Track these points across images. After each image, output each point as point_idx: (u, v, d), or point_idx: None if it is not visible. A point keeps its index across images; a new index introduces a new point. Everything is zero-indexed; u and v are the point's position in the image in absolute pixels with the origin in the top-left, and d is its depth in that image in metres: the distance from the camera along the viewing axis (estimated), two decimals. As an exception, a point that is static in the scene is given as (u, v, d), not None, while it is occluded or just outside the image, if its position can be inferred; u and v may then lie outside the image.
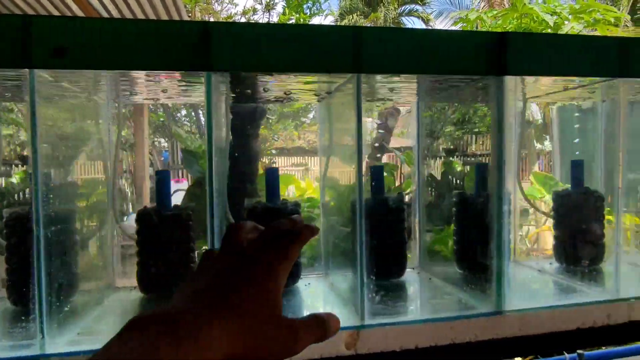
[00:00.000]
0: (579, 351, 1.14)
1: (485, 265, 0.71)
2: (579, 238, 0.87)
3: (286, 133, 6.40)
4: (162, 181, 0.81)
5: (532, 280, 0.88)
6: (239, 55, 0.59)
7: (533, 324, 0.69)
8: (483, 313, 0.68)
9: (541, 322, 0.69)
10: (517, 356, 0.81)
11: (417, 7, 11.90)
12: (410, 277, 0.89)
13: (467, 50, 0.66)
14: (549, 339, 0.70)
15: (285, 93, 0.84)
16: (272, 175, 0.86)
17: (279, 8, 7.84)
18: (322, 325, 0.36)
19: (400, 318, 0.67)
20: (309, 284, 0.86)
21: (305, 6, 6.22)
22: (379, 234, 0.85)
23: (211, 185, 0.60)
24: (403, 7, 11.80)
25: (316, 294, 0.82)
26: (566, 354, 1.12)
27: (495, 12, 7.31)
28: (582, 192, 0.89)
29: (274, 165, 0.95)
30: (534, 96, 0.95)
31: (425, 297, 0.80)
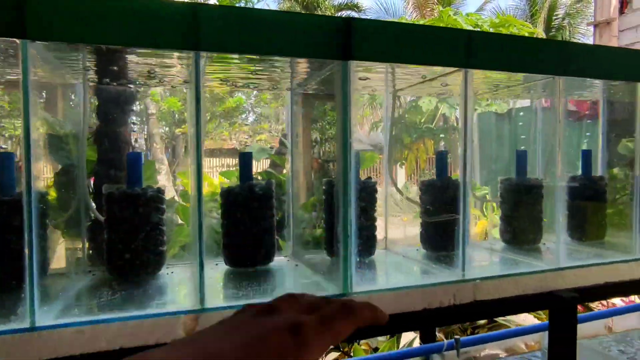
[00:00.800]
0: (455, 336, 1.20)
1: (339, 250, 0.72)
2: (438, 224, 0.91)
3: (216, 133, 6.26)
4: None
5: (393, 265, 0.92)
6: (59, 22, 0.55)
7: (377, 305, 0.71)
8: (331, 295, 0.70)
9: (386, 304, 0.71)
10: (361, 338, 0.83)
11: (353, 13, 12.18)
12: (280, 264, 0.89)
13: (313, 34, 0.67)
14: (394, 320, 0.72)
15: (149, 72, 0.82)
16: (133, 160, 0.82)
17: None
18: (350, 316, 0.31)
19: (242, 302, 0.67)
20: (172, 272, 0.84)
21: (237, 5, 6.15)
22: (244, 222, 0.85)
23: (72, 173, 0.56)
24: (340, 13, 12.03)
25: (171, 282, 0.79)
26: (444, 340, 1.18)
27: (423, 22, 7.66)
28: (444, 181, 0.93)
29: (137, 150, 0.92)
30: (400, 88, 0.99)
31: (281, 282, 0.80)
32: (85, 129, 0.81)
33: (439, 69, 0.82)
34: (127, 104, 0.90)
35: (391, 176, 0.99)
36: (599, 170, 1.15)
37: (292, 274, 0.85)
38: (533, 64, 0.81)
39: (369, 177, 0.95)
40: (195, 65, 0.62)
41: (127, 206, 0.78)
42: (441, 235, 0.91)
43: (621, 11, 6.34)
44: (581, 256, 0.94)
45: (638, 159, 0.94)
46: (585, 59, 0.85)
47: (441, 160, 0.95)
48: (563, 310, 0.81)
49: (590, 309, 2.01)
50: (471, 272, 0.79)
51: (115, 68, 0.77)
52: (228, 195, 0.86)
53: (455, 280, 0.77)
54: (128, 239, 0.77)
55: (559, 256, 0.85)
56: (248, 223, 0.85)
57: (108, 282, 0.77)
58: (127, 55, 0.71)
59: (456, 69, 0.77)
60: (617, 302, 1.91)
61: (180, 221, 1.51)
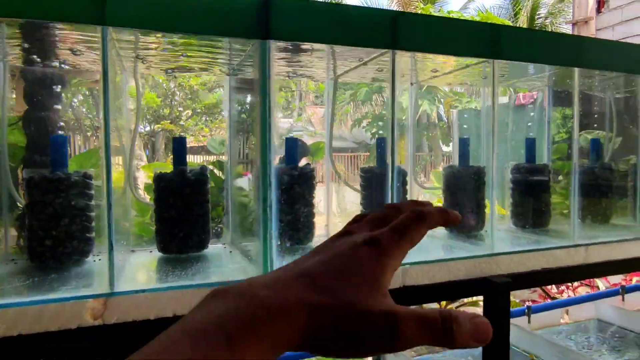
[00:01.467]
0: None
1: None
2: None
3: (196, 129, 6.22)
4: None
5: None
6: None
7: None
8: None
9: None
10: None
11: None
12: (215, 251, 0.88)
13: (231, 12, 0.65)
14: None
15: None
16: (57, 143, 0.80)
17: None
18: (447, 324, 0.27)
19: (159, 285, 0.65)
20: (100, 259, 0.82)
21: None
22: (176, 208, 0.83)
23: None
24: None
25: (95, 268, 0.77)
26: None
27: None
28: (382, 168, 0.92)
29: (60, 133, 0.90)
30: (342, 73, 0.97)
31: (207, 267, 0.78)
32: (4, 113, 0.78)
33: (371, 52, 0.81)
34: (54, 86, 0.87)
35: (333, 165, 0.98)
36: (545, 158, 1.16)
37: (223, 259, 0.83)
38: (465, 46, 0.81)
39: (308, 164, 0.93)
40: (103, 40, 0.59)
41: (48, 191, 0.75)
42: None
43: (598, 10, 6.43)
44: (520, 242, 0.94)
45: (575, 149, 0.95)
46: (519, 43, 0.85)
47: (381, 147, 0.94)
48: (496, 295, 0.80)
49: (554, 298, 2.03)
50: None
51: (34, 45, 0.74)
52: (160, 181, 0.84)
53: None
54: (49, 225, 0.75)
55: (493, 242, 0.84)
56: (180, 209, 0.83)
57: (28, 270, 0.75)
58: (45, 31, 0.68)
59: (384, 50, 0.76)
60: (592, 288, 1.93)
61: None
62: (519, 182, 1.05)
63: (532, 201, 1.04)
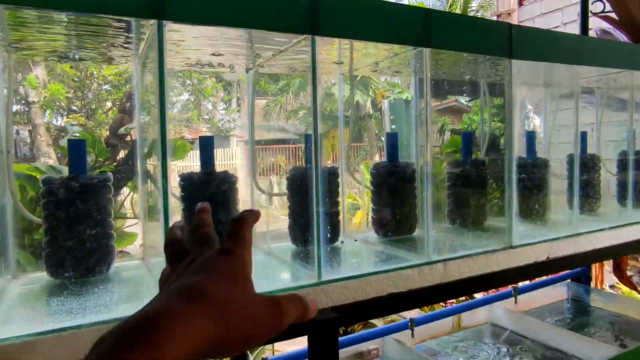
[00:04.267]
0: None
1: None
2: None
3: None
4: None
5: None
6: None
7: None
8: None
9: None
10: None
11: None
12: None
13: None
14: None
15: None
16: None
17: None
18: (302, 302, 0.36)
19: None
20: None
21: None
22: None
23: None
24: None
25: None
26: None
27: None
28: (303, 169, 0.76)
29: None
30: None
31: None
32: None
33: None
34: None
35: (253, 164, 0.82)
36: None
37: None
38: (389, 33, 0.70)
39: (103, 171, 0.74)
40: None
41: None
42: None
43: (520, 3, 6.59)
44: (365, 260, 0.78)
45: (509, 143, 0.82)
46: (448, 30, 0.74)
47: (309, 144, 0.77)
48: (318, 336, 0.64)
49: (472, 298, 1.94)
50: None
51: None
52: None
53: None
54: None
55: (320, 269, 0.67)
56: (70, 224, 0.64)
57: None
58: None
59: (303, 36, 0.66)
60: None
61: None
62: (378, 184, 0.89)
63: (392, 205, 0.89)
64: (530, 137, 1.06)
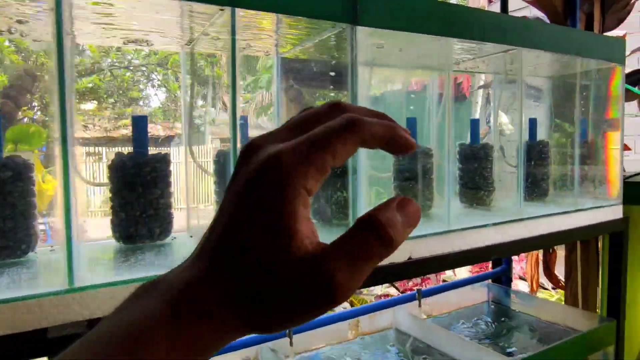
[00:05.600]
0: None
1: None
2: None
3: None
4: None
5: None
6: None
7: None
8: None
9: None
10: None
11: None
12: None
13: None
14: None
15: None
16: None
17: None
18: (384, 236, 0.22)
19: None
20: None
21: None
22: None
23: None
24: None
25: None
26: None
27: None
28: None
29: None
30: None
31: None
32: None
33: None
34: None
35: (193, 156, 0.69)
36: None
37: None
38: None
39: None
40: None
41: None
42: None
43: (490, 0, 6.55)
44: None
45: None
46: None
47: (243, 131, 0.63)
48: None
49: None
50: None
51: None
52: None
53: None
54: None
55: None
56: None
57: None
58: None
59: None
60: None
61: None
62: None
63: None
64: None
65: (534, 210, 1.00)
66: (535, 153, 1.11)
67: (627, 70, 1.63)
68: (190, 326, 0.21)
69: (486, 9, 7.28)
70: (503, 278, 1.50)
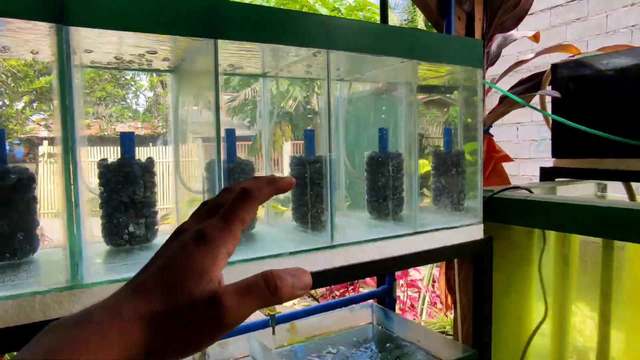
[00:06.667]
0: None
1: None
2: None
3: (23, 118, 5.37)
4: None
5: None
6: None
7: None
8: None
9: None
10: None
11: None
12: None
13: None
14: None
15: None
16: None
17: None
18: (271, 284, 0.30)
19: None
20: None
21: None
22: None
23: None
24: None
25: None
26: None
27: (278, 1, 7.34)
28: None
29: None
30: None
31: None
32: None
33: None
34: None
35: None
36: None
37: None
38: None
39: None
40: None
41: None
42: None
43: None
44: None
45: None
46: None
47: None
48: None
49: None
50: None
51: None
52: None
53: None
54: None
55: None
56: None
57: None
58: None
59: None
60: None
61: None
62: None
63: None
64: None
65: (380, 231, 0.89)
66: (389, 165, 1.00)
67: (529, 74, 1.53)
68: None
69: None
70: (387, 299, 1.39)
